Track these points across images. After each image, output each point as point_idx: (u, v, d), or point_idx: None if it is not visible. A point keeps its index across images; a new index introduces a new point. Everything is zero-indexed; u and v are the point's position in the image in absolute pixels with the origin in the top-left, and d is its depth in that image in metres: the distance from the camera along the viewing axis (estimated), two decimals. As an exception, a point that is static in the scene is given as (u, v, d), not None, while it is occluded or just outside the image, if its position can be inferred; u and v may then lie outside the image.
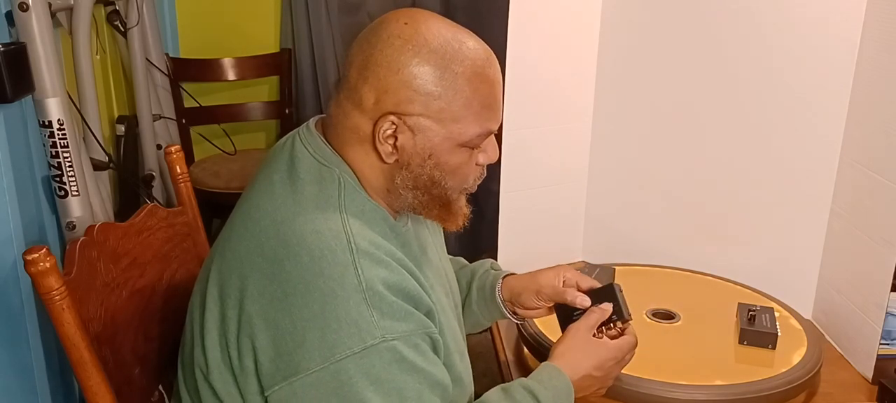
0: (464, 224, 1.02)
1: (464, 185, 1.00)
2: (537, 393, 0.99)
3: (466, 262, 1.31)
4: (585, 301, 1.12)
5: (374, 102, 0.92)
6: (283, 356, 0.87)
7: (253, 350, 0.89)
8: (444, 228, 1.04)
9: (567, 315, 1.13)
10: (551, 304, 1.18)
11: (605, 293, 1.13)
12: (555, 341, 1.11)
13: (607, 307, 1.10)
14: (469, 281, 1.25)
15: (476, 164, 0.99)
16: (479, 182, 1.02)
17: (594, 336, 1.09)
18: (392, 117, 0.92)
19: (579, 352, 1.07)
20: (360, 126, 0.94)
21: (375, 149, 0.94)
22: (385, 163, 0.95)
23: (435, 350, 0.94)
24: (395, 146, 0.93)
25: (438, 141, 0.94)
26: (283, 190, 0.94)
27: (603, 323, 1.10)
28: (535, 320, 1.28)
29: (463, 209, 1.02)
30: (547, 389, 1.00)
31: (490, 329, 1.40)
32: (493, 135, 0.99)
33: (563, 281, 1.16)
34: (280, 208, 0.93)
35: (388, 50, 0.91)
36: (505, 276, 1.24)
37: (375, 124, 0.92)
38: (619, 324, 1.10)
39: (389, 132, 0.92)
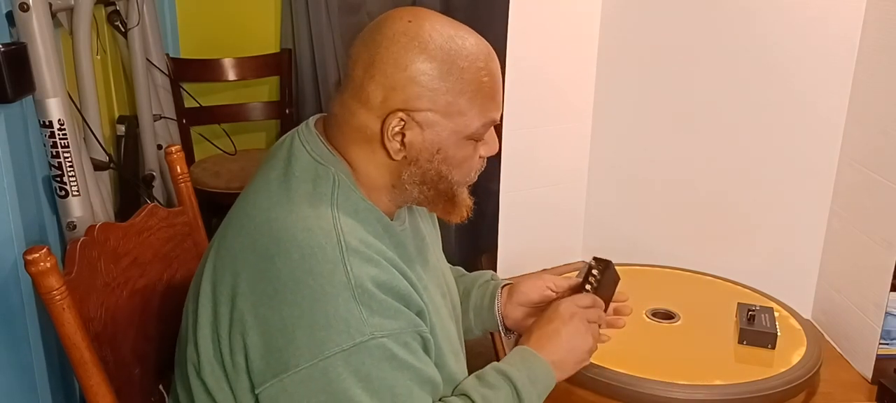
0: (468, 215, 1.04)
1: (467, 178, 1.02)
2: (510, 374, 1.01)
3: (465, 271, 1.31)
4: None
5: (381, 100, 0.93)
6: (272, 353, 0.87)
7: (244, 348, 0.89)
8: (448, 221, 1.05)
9: None
10: (545, 298, 1.20)
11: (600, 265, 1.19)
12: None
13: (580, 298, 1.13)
14: (468, 288, 1.26)
15: (479, 157, 1.01)
16: (479, 173, 1.04)
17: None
18: (401, 114, 0.93)
19: (550, 339, 1.07)
20: (367, 124, 0.95)
21: (383, 146, 0.95)
22: (393, 160, 0.96)
23: (426, 348, 0.95)
24: (403, 142, 0.94)
25: (446, 135, 0.95)
26: (278, 187, 0.95)
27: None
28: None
29: (466, 201, 1.03)
30: (520, 370, 1.02)
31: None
32: (493, 128, 1.01)
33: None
34: (274, 206, 0.93)
35: (394, 47, 0.92)
36: (505, 285, 1.25)
37: (384, 122, 0.93)
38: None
39: (397, 129, 0.94)
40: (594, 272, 1.17)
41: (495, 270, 1.55)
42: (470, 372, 1.07)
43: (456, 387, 1.01)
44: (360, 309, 0.87)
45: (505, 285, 1.25)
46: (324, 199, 0.93)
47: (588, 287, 1.15)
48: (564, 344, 1.06)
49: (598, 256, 1.20)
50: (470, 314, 1.24)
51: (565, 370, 1.07)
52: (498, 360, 1.34)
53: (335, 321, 0.86)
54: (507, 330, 1.24)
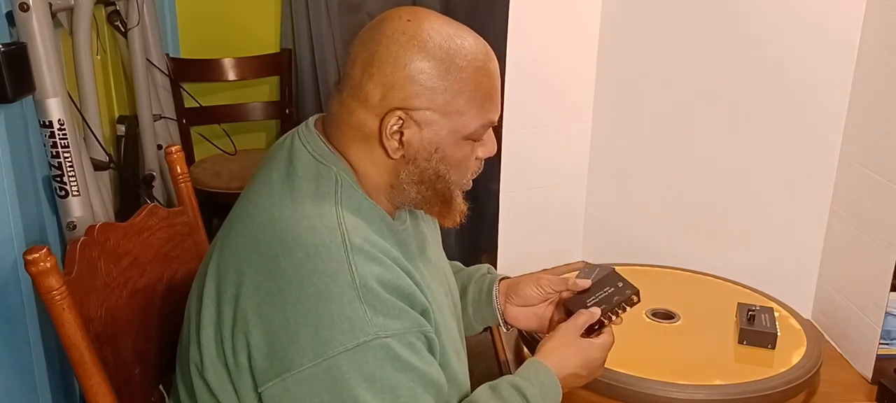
0: (461, 220, 1.04)
1: (464, 179, 1.01)
2: (525, 390, 1.00)
3: (462, 266, 1.31)
4: (585, 283, 1.15)
5: (380, 98, 0.93)
6: (276, 352, 0.87)
7: (247, 347, 0.89)
8: (441, 224, 1.05)
9: (578, 309, 1.14)
10: (545, 299, 1.20)
11: (607, 279, 1.16)
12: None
13: (596, 310, 1.12)
14: (465, 283, 1.25)
15: (476, 158, 1.01)
16: (476, 176, 1.03)
17: (582, 336, 1.11)
18: (399, 112, 0.93)
19: (567, 350, 1.08)
20: (365, 123, 0.95)
21: (381, 145, 0.95)
22: (391, 158, 0.95)
23: (430, 348, 0.95)
24: (401, 141, 0.94)
25: (445, 134, 0.95)
26: (281, 187, 0.95)
27: (590, 327, 1.11)
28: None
29: (461, 205, 1.03)
30: (534, 385, 1.01)
31: (490, 328, 1.40)
32: (491, 129, 1.01)
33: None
34: (277, 205, 0.93)
35: (393, 46, 0.92)
36: (501, 279, 1.24)
37: (382, 120, 0.93)
38: (611, 317, 1.13)
39: (396, 127, 0.93)
40: (609, 289, 1.16)
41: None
42: (470, 373, 1.07)
43: (467, 397, 1.01)
44: (364, 308, 0.87)
45: (502, 278, 1.24)
46: (327, 198, 0.93)
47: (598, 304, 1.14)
48: (579, 359, 1.08)
49: (626, 281, 1.17)
50: (469, 309, 1.24)
51: (579, 382, 1.09)
52: (497, 359, 1.35)
53: (339, 320, 0.86)
54: (508, 324, 1.24)
